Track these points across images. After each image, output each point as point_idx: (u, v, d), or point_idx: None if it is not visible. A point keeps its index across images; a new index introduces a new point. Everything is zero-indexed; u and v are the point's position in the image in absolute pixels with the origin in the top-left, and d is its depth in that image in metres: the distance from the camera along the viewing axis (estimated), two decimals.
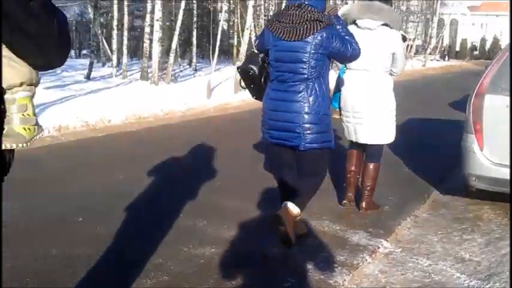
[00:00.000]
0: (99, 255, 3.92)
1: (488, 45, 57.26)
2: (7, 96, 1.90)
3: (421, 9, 38.79)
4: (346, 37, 4.06)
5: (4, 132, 1.88)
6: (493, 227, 4.85)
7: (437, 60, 37.78)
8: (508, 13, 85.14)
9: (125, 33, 16.83)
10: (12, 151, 1.97)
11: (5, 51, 1.83)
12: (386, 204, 5.41)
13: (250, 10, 16.05)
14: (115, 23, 16.75)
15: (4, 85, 1.83)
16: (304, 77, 4.02)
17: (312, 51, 3.97)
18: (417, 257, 4.13)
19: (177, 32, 15.65)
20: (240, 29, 20.49)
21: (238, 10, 20.71)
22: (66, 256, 3.91)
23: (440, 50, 40.67)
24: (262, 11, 21.65)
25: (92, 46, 17.78)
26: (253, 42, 19.81)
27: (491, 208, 5.34)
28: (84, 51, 24.95)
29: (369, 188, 5.12)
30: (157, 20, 14.64)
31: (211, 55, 18.24)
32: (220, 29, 16.67)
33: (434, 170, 6.78)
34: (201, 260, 3.97)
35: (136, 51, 21.92)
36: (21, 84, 1.93)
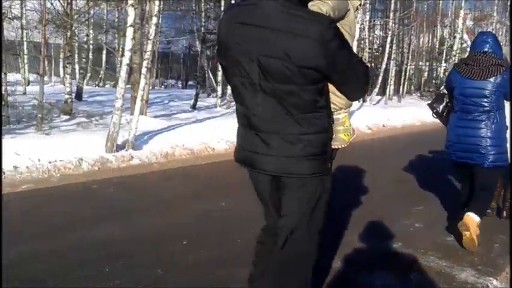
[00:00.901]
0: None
1: None
2: (335, 117, 2.94)
3: None
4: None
5: (333, 137, 2.91)
6: None
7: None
8: None
9: None
10: (336, 150, 3.03)
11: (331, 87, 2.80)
12: (496, 242, 5.18)
13: (354, 44, 16.06)
14: None
15: (335, 107, 2.92)
16: (487, 109, 4.92)
17: (494, 89, 4.87)
18: None
19: None
20: None
21: None
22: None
23: None
24: (367, 44, 21.57)
25: (198, 77, 18.37)
26: None
27: None
28: (190, 82, 25.80)
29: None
30: None
31: None
32: None
33: None
34: None
35: None
36: (340, 108, 2.98)
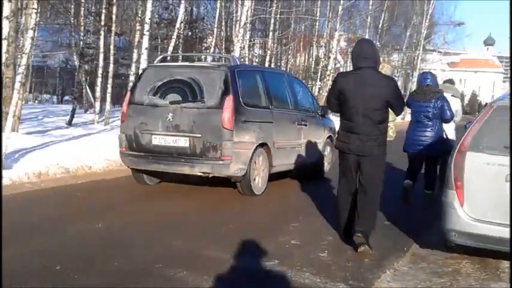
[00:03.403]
0: None
1: (466, 101, 58.37)
2: (390, 124, 6.18)
3: (402, 64, 39.60)
4: (446, 105, 7.89)
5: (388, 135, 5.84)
6: (472, 282, 4.87)
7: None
8: (485, 69, 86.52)
9: (109, 80, 16.92)
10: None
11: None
12: (366, 257, 5.42)
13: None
14: (100, 70, 16.86)
15: (391, 118, 6.02)
16: (430, 119, 7.84)
17: (434, 108, 7.82)
18: None
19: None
20: None
21: (223, 61, 20.97)
22: None
23: None
24: (247, 62, 21.96)
25: (75, 93, 17.83)
26: None
27: (470, 262, 5.38)
28: (66, 97, 24.99)
29: None
30: (142, 69, 14.75)
31: None
32: None
33: (413, 223, 6.83)
34: None
35: (119, 98, 21.99)
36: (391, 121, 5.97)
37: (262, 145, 8.21)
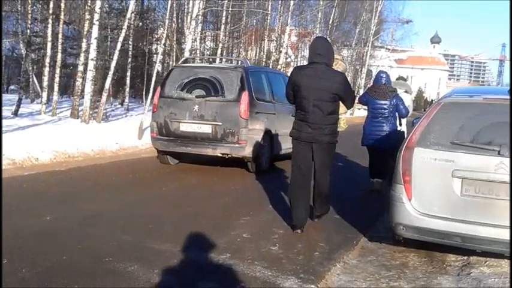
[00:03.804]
0: None
1: (413, 97, 59.44)
2: (341, 116, 6.88)
3: (351, 60, 40.11)
4: (400, 103, 8.53)
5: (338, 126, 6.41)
6: (419, 275, 5.00)
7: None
8: (431, 67, 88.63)
9: (57, 70, 16.56)
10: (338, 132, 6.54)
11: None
12: (316, 250, 5.49)
13: (186, 54, 16.19)
14: (47, 60, 16.46)
15: (342, 110, 6.83)
16: (386, 116, 8.44)
17: (390, 105, 8.41)
18: None
19: (111, 72, 15.54)
20: None
21: (174, 53, 20.81)
22: None
23: None
24: (198, 54, 21.86)
25: (22, 82, 17.39)
26: None
27: (417, 256, 5.51)
28: (12, 87, 24.33)
29: None
30: (91, 60, 14.52)
31: (144, 95, 18.17)
32: (155, 70, 16.69)
33: (363, 217, 6.95)
34: None
35: (67, 88, 21.58)
36: (342, 113, 6.73)
37: (267, 132, 10.08)
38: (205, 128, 9.47)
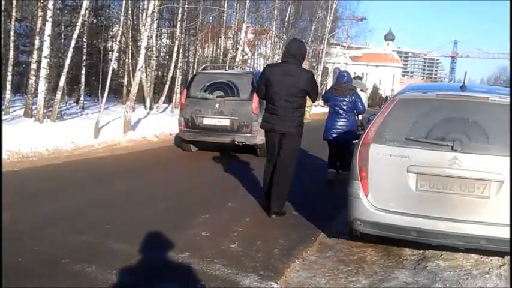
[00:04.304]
0: None
1: (368, 93, 60.22)
2: (307, 108, 11.28)
3: (308, 57, 40.33)
4: (358, 100, 9.19)
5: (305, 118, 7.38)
6: (376, 269, 5.08)
7: (322, 106, 39.29)
8: (385, 63, 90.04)
9: (10, 68, 16.16)
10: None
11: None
12: (275, 247, 5.52)
13: (142, 51, 16.02)
14: None
15: (308, 104, 10.87)
16: (345, 111, 9.04)
17: (349, 102, 9.03)
18: None
19: (65, 70, 15.23)
20: (130, 69, 20.32)
21: (130, 50, 20.57)
22: None
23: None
24: (154, 52, 21.69)
25: None
26: (143, 82, 19.79)
27: (375, 250, 5.60)
28: None
29: None
30: (45, 57, 14.22)
31: (99, 94, 17.91)
32: (110, 68, 16.47)
33: (321, 213, 7.01)
34: None
35: (20, 87, 21.10)
36: (308, 106, 7.98)
37: None
38: (225, 122, 11.64)
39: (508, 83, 73.32)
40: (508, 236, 4.77)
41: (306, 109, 7.71)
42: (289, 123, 6.64)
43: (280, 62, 7.28)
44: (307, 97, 6.90)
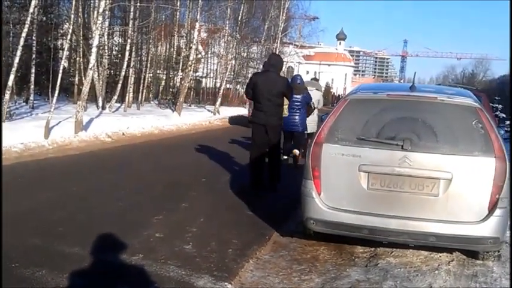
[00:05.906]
0: None
1: (322, 93, 60.60)
2: (284, 106, 9.23)
3: (261, 56, 40.45)
4: (308, 97, 11.01)
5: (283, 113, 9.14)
6: (329, 267, 5.16)
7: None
8: (337, 63, 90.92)
9: None
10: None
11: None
12: (229, 247, 5.54)
13: (94, 50, 15.78)
14: None
15: (285, 102, 9.24)
16: (300, 107, 10.77)
17: (303, 99, 10.79)
18: None
19: (14, 69, 14.88)
20: (81, 67, 19.99)
21: (81, 48, 20.24)
22: None
23: None
24: (106, 50, 21.39)
25: None
26: (95, 81, 19.50)
27: (327, 249, 5.68)
28: None
29: None
30: None
31: (50, 93, 17.55)
32: (61, 67, 16.16)
33: (275, 212, 7.06)
34: None
35: None
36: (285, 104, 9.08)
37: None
38: None
39: (455, 82, 75.14)
40: (455, 232, 4.92)
41: (284, 106, 9.09)
42: (271, 117, 8.33)
43: (263, 70, 9.22)
44: (284, 97, 8.58)
